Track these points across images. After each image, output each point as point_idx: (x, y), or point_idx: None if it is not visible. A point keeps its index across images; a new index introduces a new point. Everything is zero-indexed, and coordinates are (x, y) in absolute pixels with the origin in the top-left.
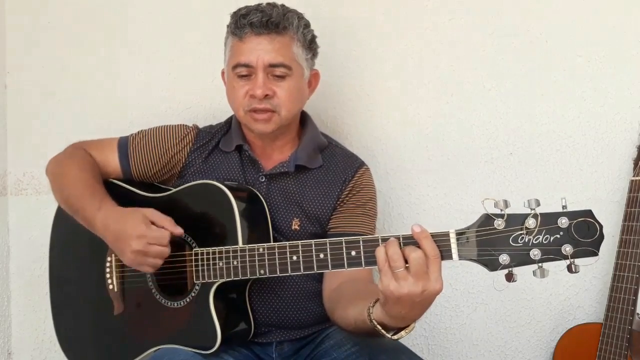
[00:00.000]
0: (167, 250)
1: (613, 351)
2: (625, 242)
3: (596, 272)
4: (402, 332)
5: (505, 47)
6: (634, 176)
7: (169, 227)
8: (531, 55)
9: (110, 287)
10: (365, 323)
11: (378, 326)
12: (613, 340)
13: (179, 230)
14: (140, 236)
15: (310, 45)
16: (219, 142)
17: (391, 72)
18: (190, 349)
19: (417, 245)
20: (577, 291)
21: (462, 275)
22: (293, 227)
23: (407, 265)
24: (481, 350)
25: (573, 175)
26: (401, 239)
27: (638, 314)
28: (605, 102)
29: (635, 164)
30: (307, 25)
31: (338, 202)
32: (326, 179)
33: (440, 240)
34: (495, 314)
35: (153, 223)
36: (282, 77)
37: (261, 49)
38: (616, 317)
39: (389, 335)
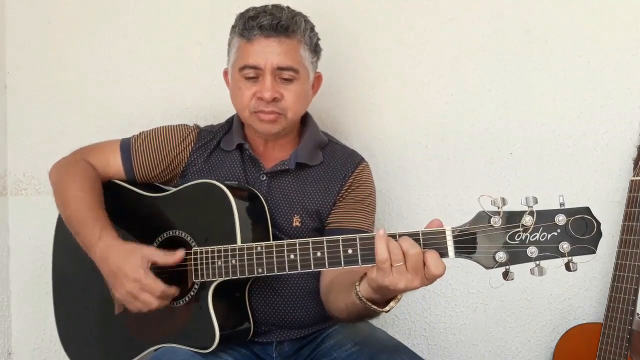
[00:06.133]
0: (154, 303)
1: (613, 351)
2: (625, 242)
3: (596, 272)
4: (392, 303)
5: (505, 47)
6: (634, 176)
7: (170, 261)
8: (531, 55)
9: None
10: (355, 304)
11: (368, 302)
12: (613, 340)
13: (177, 258)
14: (136, 280)
15: (315, 49)
16: (220, 141)
17: (391, 72)
18: (189, 348)
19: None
20: (577, 291)
21: (462, 275)
22: (294, 224)
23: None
24: (481, 350)
25: (573, 175)
26: (397, 236)
27: (638, 314)
28: (605, 102)
29: (635, 164)
30: (312, 28)
31: (338, 197)
32: (326, 175)
33: (437, 238)
34: (495, 314)
35: (155, 262)
36: (289, 80)
37: (270, 52)
38: (616, 317)
39: (380, 309)
